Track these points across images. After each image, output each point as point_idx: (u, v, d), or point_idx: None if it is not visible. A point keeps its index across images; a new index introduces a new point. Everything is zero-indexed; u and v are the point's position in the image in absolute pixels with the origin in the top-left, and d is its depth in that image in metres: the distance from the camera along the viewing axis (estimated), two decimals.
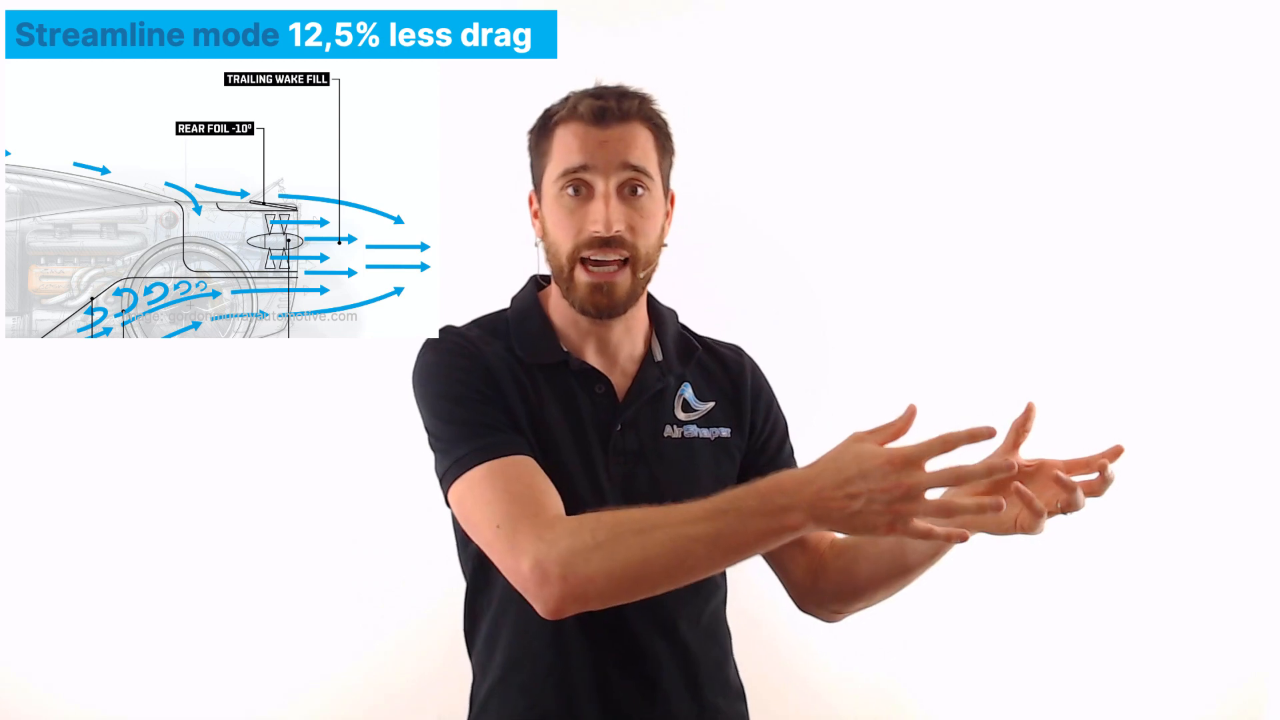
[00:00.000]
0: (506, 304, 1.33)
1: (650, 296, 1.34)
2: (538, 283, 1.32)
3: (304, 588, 2.15)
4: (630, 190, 1.18)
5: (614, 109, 1.18)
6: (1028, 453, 1.04)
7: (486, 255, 2.06)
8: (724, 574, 1.29)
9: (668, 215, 1.27)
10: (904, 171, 2.13)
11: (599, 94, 1.21)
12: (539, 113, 1.28)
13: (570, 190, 1.19)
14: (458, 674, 1.36)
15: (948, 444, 0.86)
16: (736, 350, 1.36)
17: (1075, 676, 2.15)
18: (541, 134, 1.25)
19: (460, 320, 1.34)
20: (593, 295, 1.18)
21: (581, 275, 1.17)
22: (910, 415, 0.92)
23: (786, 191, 2.12)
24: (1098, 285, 2.15)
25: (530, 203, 1.27)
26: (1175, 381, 2.16)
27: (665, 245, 1.27)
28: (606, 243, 1.16)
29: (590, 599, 0.93)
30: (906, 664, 2.16)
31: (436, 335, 1.26)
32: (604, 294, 1.17)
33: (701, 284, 1.39)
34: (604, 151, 1.17)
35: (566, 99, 1.23)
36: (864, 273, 2.13)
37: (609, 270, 1.17)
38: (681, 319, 1.36)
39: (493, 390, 1.10)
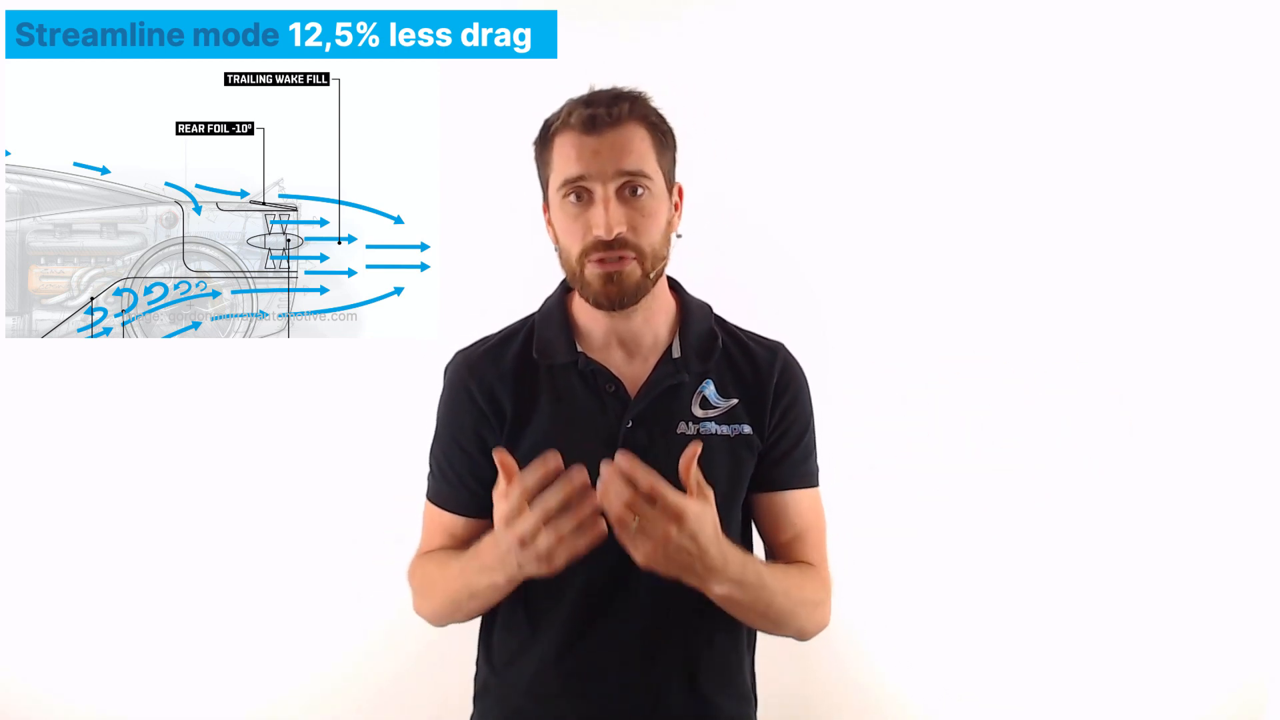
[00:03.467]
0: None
1: (682, 291, 1.36)
2: (567, 285, 1.33)
3: (304, 586, 2.15)
4: (630, 191, 1.20)
5: (604, 116, 1.19)
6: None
7: (486, 255, 2.05)
8: None
9: (676, 208, 1.29)
10: (903, 172, 2.13)
11: (590, 101, 1.22)
12: (539, 117, 1.28)
13: (573, 198, 1.21)
14: (457, 670, 1.36)
15: (546, 513, 0.97)
16: (772, 348, 1.34)
17: (1076, 678, 2.15)
18: (542, 145, 1.27)
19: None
20: (604, 286, 1.20)
21: (592, 269, 1.20)
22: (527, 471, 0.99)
23: (786, 191, 2.12)
24: (1098, 286, 2.14)
25: (544, 210, 1.28)
26: (1175, 382, 2.15)
27: (679, 236, 1.29)
28: (610, 245, 1.18)
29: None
30: (907, 664, 2.16)
31: (450, 359, 1.31)
32: (614, 283, 1.19)
33: (700, 283, 1.38)
34: (599, 160, 1.19)
35: (562, 108, 1.24)
36: (864, 272, 2.12)
37: (618, 260, 1.19)
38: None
39: (465, 436, 1.23)
